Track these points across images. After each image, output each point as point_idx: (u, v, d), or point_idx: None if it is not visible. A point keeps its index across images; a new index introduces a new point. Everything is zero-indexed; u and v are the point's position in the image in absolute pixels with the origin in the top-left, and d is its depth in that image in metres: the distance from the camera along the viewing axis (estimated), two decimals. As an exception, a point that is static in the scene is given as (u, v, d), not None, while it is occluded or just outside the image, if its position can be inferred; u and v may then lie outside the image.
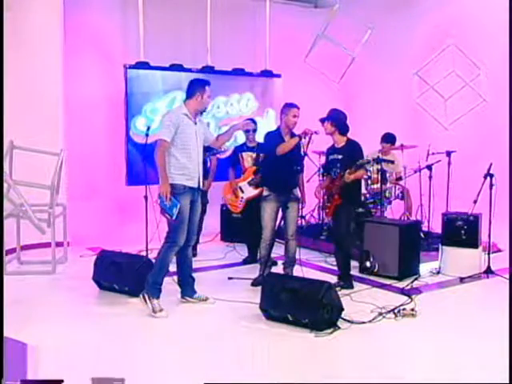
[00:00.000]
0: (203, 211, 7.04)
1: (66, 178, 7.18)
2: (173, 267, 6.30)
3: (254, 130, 6.82)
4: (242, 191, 6.63)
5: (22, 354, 3.75)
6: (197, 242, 7.11)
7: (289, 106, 5.70)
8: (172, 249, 5.04)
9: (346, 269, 5.76)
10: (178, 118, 4.92)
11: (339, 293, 4.87)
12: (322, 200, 6.47)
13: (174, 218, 4.90)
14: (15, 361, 3.69)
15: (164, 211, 4.92)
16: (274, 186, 5.68)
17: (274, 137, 5.73)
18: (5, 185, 6.17)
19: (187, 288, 5.28)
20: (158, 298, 4.97)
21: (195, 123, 5.03)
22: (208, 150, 6.81)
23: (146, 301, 4.94)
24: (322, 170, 7.83)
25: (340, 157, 5.62)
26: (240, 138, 7.89)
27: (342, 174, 5.53)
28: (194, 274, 5.42)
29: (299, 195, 5.82)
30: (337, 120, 5.62)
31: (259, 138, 6.54)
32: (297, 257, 5.83)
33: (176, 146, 4.91)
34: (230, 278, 5.95)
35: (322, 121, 5.67)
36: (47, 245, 6.55)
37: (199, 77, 8.06)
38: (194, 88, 5.02)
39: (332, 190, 5.66)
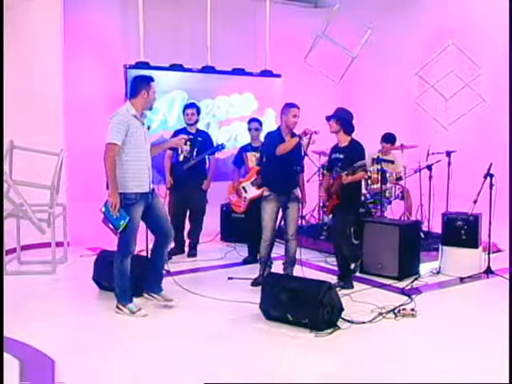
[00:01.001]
0: (202, 211, 7.03)
1: (65, 178, 7.18)
2: (174, 267, 6.33)
3: (257, 129, 6.82)
4: (246, 191, 6.63)
5: (51, 372, 3.79)
6: (197, 241, 7.13)
7: (289, 106, 5.70)
8: (126, 258, 4.91)
9: (346, 269, 5.76)
10: (127, 120, 4.72)
11: (339, 293, 4.87)
12: (323, 200, 6.45)
13: (119, 230, 4.66)
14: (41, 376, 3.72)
15: (108, 221, 4.67)
16: (273, 186, 5.68)
17: (275, 137, 5.74)
18: (5, 185, 6.16)
19: (154, 284, 5.13)
20: (131, 301, 4.96)
21: (143, 124, 4.88)
22: (206, 149, 6.82)
23: (121, 309, 4.92)
24: (322, 168, 7.84)
25: (341, 156, 5.62)
26: (244, 137, 7.88)
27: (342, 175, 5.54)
28: (194, 274, 5.43)
29: (299, 195, 5.83)
30: (342, 119, 5.62)
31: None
32: (297, 257, 5.84)
33: (126, 150, 4.71)
34: (230, 278, 5.94)
35: (328, 119, 5.67)
36: (47, 245, 6.55)
37: (199, 77, 8.18)
38: (139, 85, 4.83)
39: (331, 190, 5.66)
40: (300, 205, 5.86)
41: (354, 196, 5.79)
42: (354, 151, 5.59)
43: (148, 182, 4.89)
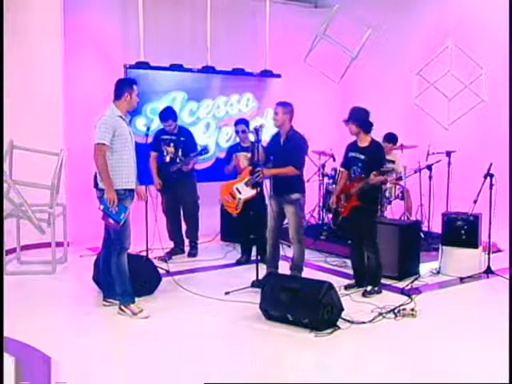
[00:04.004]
0: (194, 209, 7.00)
1: (65, 178, 7.18)
2: (174, 267, 6.35)
3: (244, 131, 6.79)
4: (240, 192, 6.58)
5: (47, 368, 3.78)
6: (196, 240, 7.11)
7: None
8: (122, 255, 4.97)
9: (378, 273, 5.59)
10: (114, 121, 4.86)
11: (339, 293, 4.86)
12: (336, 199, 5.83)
13: (120, 224, 4.80)
14: (37, 372, 3.72)
15: (109, 217, 4.79)
16: (271, 186, 5.68)
17: (273, 138, 5.76)
18: (5, 185, 6.17)
19: (111, 289, 5.11)
20: (133, 302, 4.98)
21: (128, 124, 5.03)
22: (190, 148, 6.79)
23: (123, 311, 4.94)
24: (323, 168, 7.84)
25: (362, 157, 5.48)
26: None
27: (364, 176, 5.38)
28: (194, 274, 5.42)
29: (295, 198, 5.64)
30: (359, 120, 5.49)
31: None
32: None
33: (115, 150, 4.84)
34: (226, 293, 5.52)
35: (346, 122, 5.54)
36: (47, 245, 6.55)
37: (199, 77, 8.18)
38: (122, 88, 5.00)
39: (350, 191, 5.50)
40: (298, 208, 5.68)
41: (376, 197, 5.66)
42: (376, 152, 5.49)
43: (135, 179, 5.01)
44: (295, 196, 5.63)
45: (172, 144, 6.78)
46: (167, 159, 6.79)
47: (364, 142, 5.55)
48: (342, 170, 5.81)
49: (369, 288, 5.49)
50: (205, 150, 6.89)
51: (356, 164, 5.53)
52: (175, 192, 6.84)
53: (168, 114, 6.85)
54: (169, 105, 7.35)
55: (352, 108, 5.61)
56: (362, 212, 5.48)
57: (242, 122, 6.90)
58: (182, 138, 6.80)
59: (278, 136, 5.73)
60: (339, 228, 7.23)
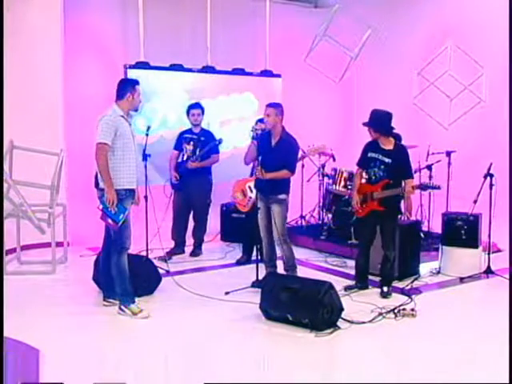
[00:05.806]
0: (204, 210, 7.02)
1: (65, 178, 7.18)
2: (174, 267, 6.35)
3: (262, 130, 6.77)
4: (251, 191, 6.61)
5: (35, 360, 3.76)
6: (201, 241, 7.12)
7: None
8: (123, 255, 4.96)
9: (393, 274, 5.66)
10: (116, 121, 4.85)
11: (339, 293, 4.86)
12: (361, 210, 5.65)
13: (119, 224, 4.79)
14: (26, 365, 3.69)
15: (108, 217, 4.78)
16: (256, 185, 5.68)
17: (263, 139, 5.70)
18: (5, 185, 6.17)
19: (112, 289, 5.11)
20: (133, 302, 4.97)
21: (130, 124, 5.02)
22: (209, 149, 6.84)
23: (123, 311, 4.93)
24: (323, 168, 7.82)
25: (387, 160, 5.38)
26: (244, 137, 7.87)
27: (391, 183, 5.36)
28: (194, 274, 5.41)
29: (282, 198, 5.62)
30: (376, 125, 5.43)
31: None
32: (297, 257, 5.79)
33: (116, 149, 4.83)
34: (226, 293, 5.52)
35: (365, 125, 5.52)
36: (47, 245, 6.55)
37: (199, 77, 8.18)
38: (125, 88, 4.99)
39: (372, 194, 5.43)
40: (284, 208, 5.65)
41: (397, 201, 5.60)
42: (404, 157, 5.44)
43: (136, 179, 5.01)
44: (282, 196, 5.64)
45: (192, 142, 6.87)
46: (184, 157, 6.85)
47: (388, 145, 5.47)
48: (359, 169, 5.66)
49: (385, 289, 5.48)
50: (218, 141, 6.92)
51: (377, 166, 5.43)
52: (187, 192, 6.85)
53: (198, 104, 7.01)
54: None
55: (372, 111, 5.52)
56: (386, 216, 5.46)
57: (262, 121, 6.87)
58: (202, 138, 6.86)
59: (268, 136, 5.71)
60: (339, 228, 7.24)
